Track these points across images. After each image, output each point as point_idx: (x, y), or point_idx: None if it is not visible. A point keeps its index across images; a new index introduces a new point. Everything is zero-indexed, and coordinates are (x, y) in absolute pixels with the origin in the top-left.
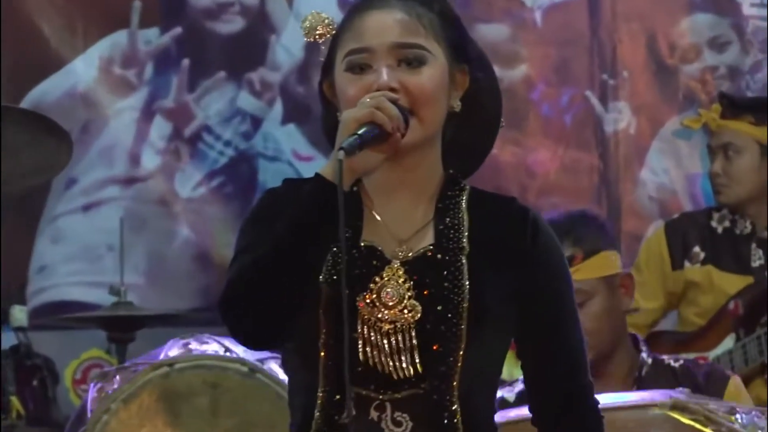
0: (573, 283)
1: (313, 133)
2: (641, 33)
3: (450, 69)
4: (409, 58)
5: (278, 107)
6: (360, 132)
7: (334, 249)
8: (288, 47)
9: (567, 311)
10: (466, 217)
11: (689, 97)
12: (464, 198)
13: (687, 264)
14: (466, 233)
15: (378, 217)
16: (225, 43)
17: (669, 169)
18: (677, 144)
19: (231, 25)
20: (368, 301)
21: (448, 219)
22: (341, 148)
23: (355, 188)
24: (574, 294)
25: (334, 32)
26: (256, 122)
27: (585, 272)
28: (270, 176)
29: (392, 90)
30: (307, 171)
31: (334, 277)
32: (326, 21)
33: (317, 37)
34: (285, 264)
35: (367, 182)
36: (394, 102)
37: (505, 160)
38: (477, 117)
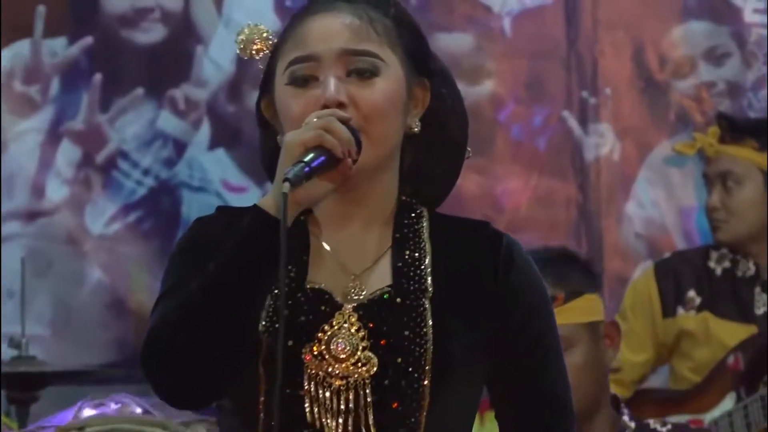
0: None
1: (245, 159)
2: (627, 43)
3: (408, 82)
4: (360, 68)
5: (205, 129)
6: (306, 159)
7: (276, 292)
8: (216, 60)
9: (550, 357)
10: (428, 248)
11: (682, 118)
12: (424, 225)
13: (680, 311)
14: (429, 269)
15: (327, 248)
16: (143, 55)
17: (659, 202)
18: (668, 172)
19: (150, 34)
20: (316, 353)
21: (407, 253)
22: (286, 179)
23: (301, 217)
24: (559, 338)
25: (273, 47)
26: (180, 147)
27: (566, 316)
28: (196, 209)
29: (340, 105)
30: (239, 203)
31: (276, 326)
32: (265, 34)
33: (254, 53)
34: (217, 309)
35: (315, 211)
36: (345, 122)
37: (468, 191)
38: (439, 140)
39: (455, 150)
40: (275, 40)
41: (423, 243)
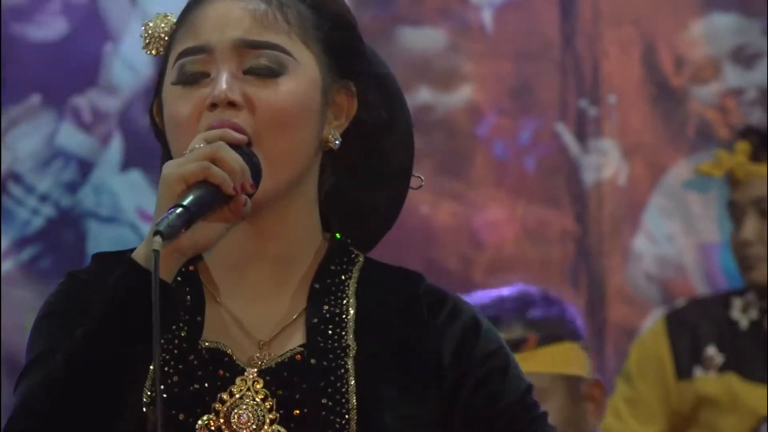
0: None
1: None
2: (635, 41)
3: (325, 85)
4: (260, 65)
5: (116, 146)
6: (186, 201)
7: (164, 355)
8: (130, 60)
9: (521, 418)
10: (352, 302)
11: (703, 133)
12: (354, 275)
13: (698, 372)
14: (353, 326)
15: (225, 309)
16: (40, 54)
17: (675, 236)
18: (687, 200)
19: (49, 29)
20: (213, 428)
21: (326, 308)
22: (158, 232)
23: (190, 268)
24: (532, 391)
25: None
26: (85, 168)
27: (538, 362)
28: (105, 244)
29: (232, 106)
30: None
31: (164, 396)
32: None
33: (161, 49)
34: (85, 384)
35: (208, 258)
36: (237, 146)
37: (441, 223)
38: (371, 164)
39: (394, 177)
40: None
41: (346, 298)
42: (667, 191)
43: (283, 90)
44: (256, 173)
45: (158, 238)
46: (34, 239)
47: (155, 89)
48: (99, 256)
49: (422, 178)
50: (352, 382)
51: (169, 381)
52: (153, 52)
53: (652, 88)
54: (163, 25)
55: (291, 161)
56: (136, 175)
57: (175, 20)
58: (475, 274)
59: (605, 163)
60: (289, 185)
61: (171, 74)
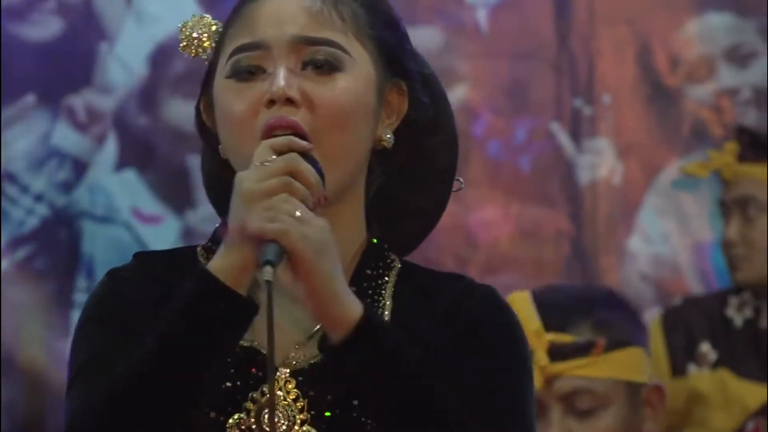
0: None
1: (160, 182)
2: (630, 41)
3: (379, 83)
4: (319, 60)
5: (111, 146)
6: None
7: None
8: (125, 60)
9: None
10: (388, 305)
11: (698, 133)
12: (391, 279)
13: (692, 368)
14: None
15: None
16: (35, 54)
17: (669, 236)
18: (681, 200)
19: (44, 28)
20: (243, 427)
21: None
22: (267, 262)
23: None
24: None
25: (218, 35)
26: (80, 167)
27: (604, 368)
28: (100, 244)
29: (290, 101)
30: (153, 236)
31: (229, 409)
32: (213, 27)
33: (200, 50)
34: (159, 396)
35: None
36: (304, 154)
37: None
38: (418, 164)
39: (438, 179)
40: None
41: (382, 301)
42: (662, 191)
43: (341, 87)
44: (323, 181)
45: (269, 269)
46: (29, 239)
47: (202, 87)
48: (140, 255)
49: (461, 180)
50: None
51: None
52: (192, 53)
53: (647, 87)
54: (200, 26)
55: (348, 160)
56: (130, 175)
57: (214, 23)
58: (470, 273)
59: (600, 163)
60: (345, 185)
61: (224, 70)
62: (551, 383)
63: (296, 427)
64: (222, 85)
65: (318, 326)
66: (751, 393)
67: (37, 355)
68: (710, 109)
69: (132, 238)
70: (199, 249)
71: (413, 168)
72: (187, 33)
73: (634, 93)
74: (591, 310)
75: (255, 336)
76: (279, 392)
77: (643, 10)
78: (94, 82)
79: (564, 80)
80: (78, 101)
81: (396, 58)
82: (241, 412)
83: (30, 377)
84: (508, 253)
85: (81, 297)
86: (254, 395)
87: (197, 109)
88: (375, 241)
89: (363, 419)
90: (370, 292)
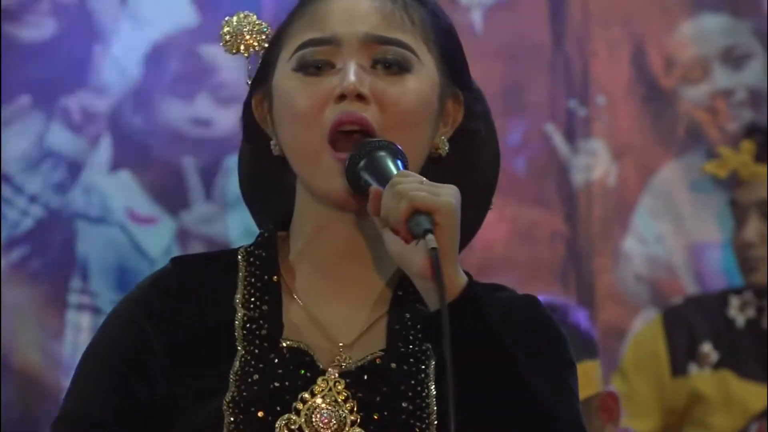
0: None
1: (155, 183)
2: (624, 42)
3: (441, 90)
4: (389, 60)
5: (105, 147)
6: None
7: (245, 354)
8: (120, 61)
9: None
10: None
11: (693, 134)
12: None
13: (693, 368)
14: None
15: (304, 308)
16: (30, 55)
17: (665, 237)
18: (676, 200)
19: (38, 29)
20: (294, 427)
21: (408, 315)
22: (428, 230)
23: (263, 253)
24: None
25: (267, 44)
26: (75, 168)
27: None
28: (94, 245)
29: (360, 98)
30: (148, 237)
31: (244, 394)
32: (257, 27)
33: (243, 49)
34: None
35: (296, 255)
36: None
37: None
38: (466, 176)
39: (482, 193)
40: (269, 36)
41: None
42: (657, 192)
43: (411, 88)
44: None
45: (432, 236)
46: (24, 240)
47: (252, 85)
48: (178, 261)
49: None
50: (433, 387)
51: (249, 379)
52: (233, 50)
53: (642, 88)
54: (245, 25)
55: (411, 162)
56: (125, 176)
57: (259, 22)
58: None
59: (595, 164)
60: None
61: (288, 64)
62: None
63: (347, 428)
64: (286, 78)
65: (365, 327)
66: (753, 394)
67: (32, 357)
68: (705, 110)
69: (127, 238)
70: (241, 251)
71: (461, 179)
72: (229, 30)
73: (628, 94)
74: None
75: (301, 336)
76: (329, 392)
77: (637, 12)
78: (89, 83)
79: (559, 81)
80: (73, 102)
81: (456, 67)
82: (290, 412)
83: (25, 378)
84: (503, 254)
85: (76, 298)
86: (304, 395)
87: (246, 107)
88: None
89: (412, 422)
90: (417, 296)
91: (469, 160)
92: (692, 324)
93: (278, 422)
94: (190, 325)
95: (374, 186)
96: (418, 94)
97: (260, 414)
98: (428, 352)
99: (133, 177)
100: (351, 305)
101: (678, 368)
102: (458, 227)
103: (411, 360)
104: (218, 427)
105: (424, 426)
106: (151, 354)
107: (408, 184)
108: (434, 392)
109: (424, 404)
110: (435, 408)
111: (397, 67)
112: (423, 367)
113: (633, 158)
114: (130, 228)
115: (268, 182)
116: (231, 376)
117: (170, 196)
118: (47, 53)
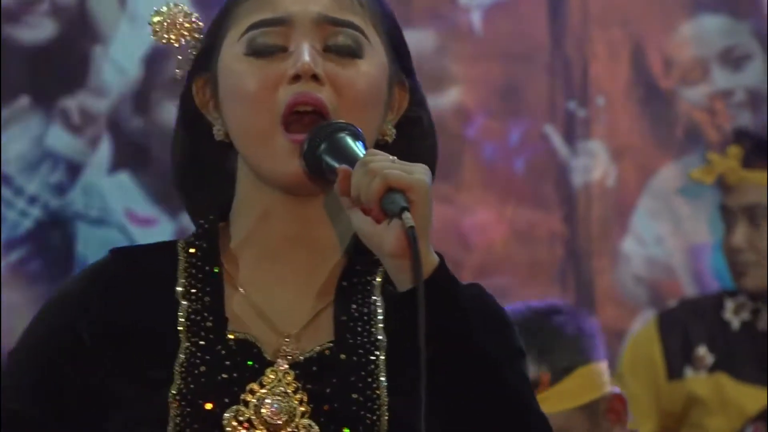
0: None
1: (154, 184)
2: (624, 43)
3: (390, 75)
4: (340, 45)
5: (105, 148)
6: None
7: (190, 346)
8: (119, 62)
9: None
10: (380, 302)
11: (692, 135)
12: (380, 275)
13: (689, 372)
14: (381, 324)
15: (247, 298)
16: (29, 56)
17: (663, 238)
18: (675, 202)
19: (38, 30)
20: (241, 418)
21: (354, 306)
22: (404, 208)
23: (203, 244)
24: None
25: (197, 34)
26: (74, 170)
27: (555, 402)
28: (94, 247)
29: (315, 78)
30: (148, 238)
31: (191, 386)
32: (188, 16)
33: (172, 39)
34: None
35: (238, 243)
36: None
37: None
38: (412, 160)
39: None
40: (200, 26)
41: (373, 296)
42: (656, 193)
43: (363, 71)
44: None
45: (408, 215)
46: (23, 241)
47: (193, 68)
48: (117, 252)
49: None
50: (383, 378)
51: (196, 371)
52: (161, 39)
53: (641, 89)
54: (175, 14)
55: None
56: (124, 177)
57: (189, 12)
58: (464, 276)
59: (594, 165)
60: None
61: (237, 46)
62: None
63: (297, 420)
64: (234, 61)
65: (310, 317)
66: (749, 397)
67: None
68: (704, 111)
69: (126, 240)
70: (180, 243)
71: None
72: (159, 19)
73: (627, 95)
74: (530, 337)
75: (246, 327)
76: (278, 384)
77: (637, 13)
78: (88, 84)
79: (558, 82)
80: (72, 103)
81: (402, 52)
82: (239, 404)
83: None
84: (501, 255)
85: None
86: (253, 386)
87: (186, 91)
88: None
89: (363, 413)
90: (359, 287)
91: (413, 147)
92: (687, 327)
93: (227, 414)
94: (129, 316)
95: (342, 165)
96: (370, 78)
97: (208, 406)
98: (377, 344)
99: (133, 178)
100: (294, 294)
101: (674, 372)
102: (431, 205)
103: (360, 351)
104: (164, 420)
105: (374, 417)
106: (80, 346)
107: (380, 162)
108: (385, 383)
109: (374, 395)
110: (386, 399)
111: (350, 52)
112: (373, 358)
113: (632, 159)
114: (130, 229)
115: (206, 170)
116: (176, 368)
117: (170, 197)
118: (47, 54)
